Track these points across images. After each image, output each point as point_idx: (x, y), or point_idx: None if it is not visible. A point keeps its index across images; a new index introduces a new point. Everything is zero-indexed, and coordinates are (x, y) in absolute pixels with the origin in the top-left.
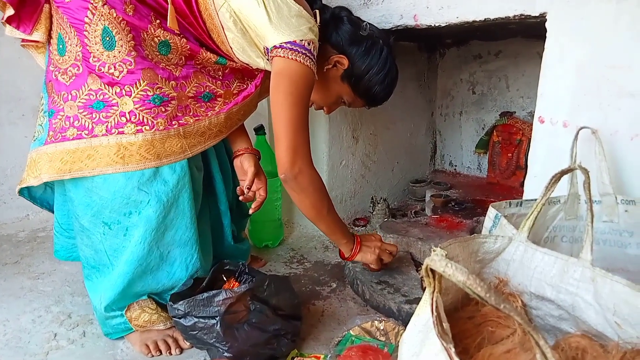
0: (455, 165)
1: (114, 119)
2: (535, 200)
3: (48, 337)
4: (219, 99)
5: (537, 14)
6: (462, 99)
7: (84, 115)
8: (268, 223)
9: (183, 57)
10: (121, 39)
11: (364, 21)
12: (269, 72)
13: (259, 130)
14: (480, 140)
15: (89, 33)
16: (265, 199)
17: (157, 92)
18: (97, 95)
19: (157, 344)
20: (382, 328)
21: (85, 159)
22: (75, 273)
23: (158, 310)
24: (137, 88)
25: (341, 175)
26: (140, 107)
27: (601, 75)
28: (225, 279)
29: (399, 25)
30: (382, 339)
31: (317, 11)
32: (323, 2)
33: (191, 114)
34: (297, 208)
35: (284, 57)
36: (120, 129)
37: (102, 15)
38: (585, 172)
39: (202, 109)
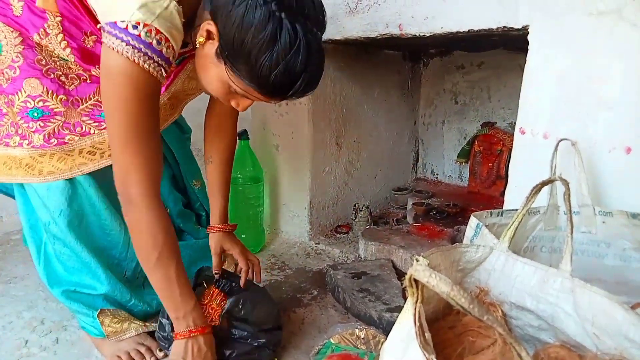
0: (437, 174)
1: (5, 128)
2: (516, 210)
3: (19, 344)
4: None
5: (520, 27)
6: (444, 108)
7: None
8: (250, 229)
9: (82, 70)
10: (7, 44)
11: None
12: (185, 75)
13: (242, 135)
14: (462, 150)
15: None
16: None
17: (38, 105)
18: None
19: (130, 355)
20: (363, 336)
21: None
22: None
23: (129, 318)
24: (19, 98)
25: (324, 182)
26: (20, 119)
27: (581, 87)
28: (205, 285)
29: (384, 34)
30: (363, 347)
31: None
32: None
33: (80, 131)
34: (280, 214)
35: (108, 45)
36: (7, 140)
37: None
38: (566, 183)
39: (96, 126)
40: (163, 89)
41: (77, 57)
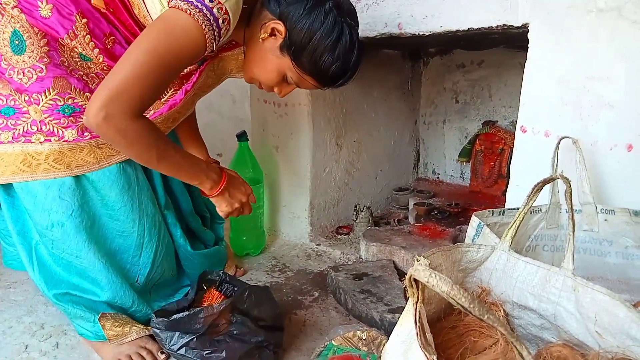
0: (438, 174)
1: (24, 127)
2: (518, 209)
3: (19, 349)
4: None
5: (520, 25)
6: (445, 107)
7: None
8: (250, 231)
9: (105, 68)
10: (32, 44)
11: None
12: (206, 72)
13: (242, 136)
14: (463, 149)
15: None
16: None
17: (68, 102)
18: (8, 101)
19: (132, 358)
20: (364, 338)
21: None
22: None
23: (130, 321)
24: (46, 97)
25: (324, 183)
26: (49, 117)
27: (582, 85)
28: (205, 288)
29: (383, 33)
30: (365, 349)
31: None
32: None
33: None
34: (280, 216)
35: (174, 7)
36: (28, 138)
37: (11, 17)
38: (567, 181)
39: None
40: (190, 85)
41: (105, 57)
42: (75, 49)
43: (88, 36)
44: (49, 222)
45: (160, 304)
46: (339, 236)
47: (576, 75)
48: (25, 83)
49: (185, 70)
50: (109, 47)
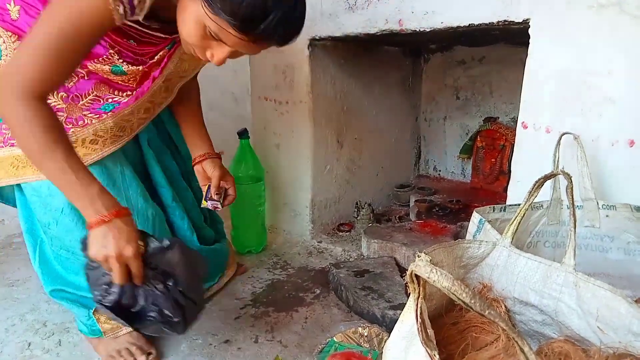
0: (440, 171)
1: (8, 133)
2: (519, 205)
3: (22, 346)
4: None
5: (521, 20)
6: (446, 104)
7: None
8: (251, 229)
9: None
10: (6, 48)
11: None
12: (178, 56)
13: (243, 134)
14: (464, 146)
15: None
16: (234, 198)
17: None
18: None
19: (121, 353)
20: (366, 334)
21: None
22: None
23: None
24: None
25: (325, 180)
26: None
27: (583, 81)
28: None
29: (384, 30)
30: (366, 345)
31: None
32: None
33: (82, 124)
34: (282, 213)
35: None
36: (12, 141)
37: None
38: (568, 177)
39: (97, 118)
40: (157, 72)
41: None
42: None
43: None
44: (47, 219)
45: None
46: (340, 233)
47: (577, 70)
48: None
49: (155, 58)
50: None
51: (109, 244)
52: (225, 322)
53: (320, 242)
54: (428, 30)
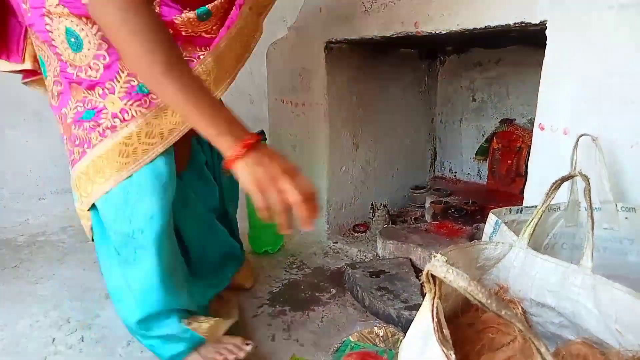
0: (455, 172)
1: (106, 123)
2: (536, 207)
3: (46, 342)
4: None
5: (538, 22)
6: (462, 106)
7: (79, 130)
8: (267, 229)
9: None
10: (87, 35)
11: None
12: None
13: (260, 135)
14: (480, 147)
15: (54, 41)
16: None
17: (140, 81)
18: (85, 105)
19: (220, 352)
20: (381, 334)
21: (94, 175)
22: (74, 277)
23: (208, 318)
24: (119, 81)
25: (341, 182)
26: (128, 101)
27: (601, 82)
28: None
29: (400, 32)
30: (382, 345)
31: None
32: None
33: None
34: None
35: None
36: (110, 130)
37: (59, 16)
38: (586, 179)
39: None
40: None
41: None
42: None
43: None
44: (131, 228)
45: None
46: (356, 234)
47: (595, 72)
48: (95, 77)
49: None
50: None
51: (262, 171)
52: (243, 321)
53: (336, 242)
54: (444, 32)
